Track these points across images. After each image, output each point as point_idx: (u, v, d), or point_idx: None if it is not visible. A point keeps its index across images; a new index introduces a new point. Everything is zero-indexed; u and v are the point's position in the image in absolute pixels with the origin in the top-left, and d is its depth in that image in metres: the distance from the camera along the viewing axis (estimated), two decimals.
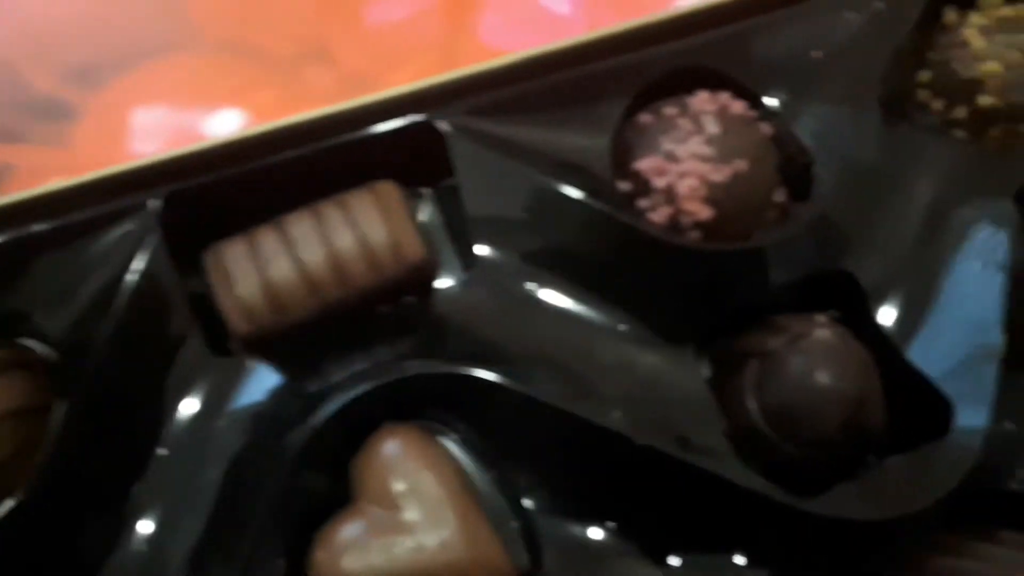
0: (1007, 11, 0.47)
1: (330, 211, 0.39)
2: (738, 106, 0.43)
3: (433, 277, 0.41)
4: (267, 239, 0.39)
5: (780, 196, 0.44)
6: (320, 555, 0.34)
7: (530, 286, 0.42)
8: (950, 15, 0.48)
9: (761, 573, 0.38)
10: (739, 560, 0.39)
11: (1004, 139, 0.46)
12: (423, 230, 0.43)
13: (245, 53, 0.52)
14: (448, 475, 0.36)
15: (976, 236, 0.42)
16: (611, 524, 0.38)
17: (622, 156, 0.43)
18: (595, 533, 0.38)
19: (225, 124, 0.50)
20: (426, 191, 0.45)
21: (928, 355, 0.40)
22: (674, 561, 0.39)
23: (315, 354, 0.39)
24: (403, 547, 0.34)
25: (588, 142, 0.43)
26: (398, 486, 0.35)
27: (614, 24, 0.44)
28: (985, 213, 0.43)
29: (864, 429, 0.39)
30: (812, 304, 0.43)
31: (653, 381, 0.41)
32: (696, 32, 0.46)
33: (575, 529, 0.37)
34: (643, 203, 0.42)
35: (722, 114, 0.42)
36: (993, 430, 0.38)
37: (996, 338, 0.39)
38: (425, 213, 0.45)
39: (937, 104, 0.47)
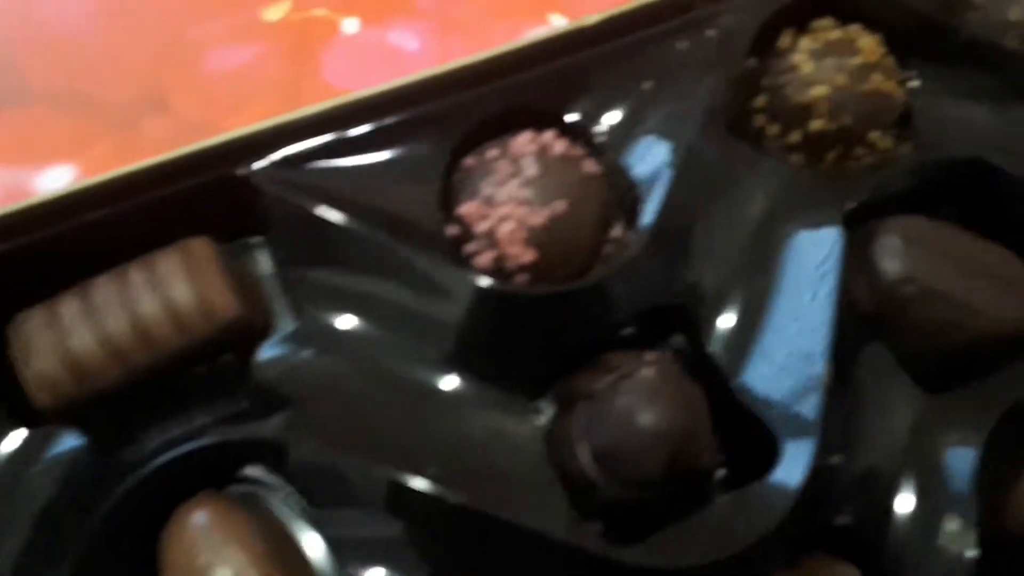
0: (836, 34, 0.47)
1: (135, 273, 0.38)
2: (560, 145, 0.43)
3: (256, 334, 0.40)
4: (69, 307, 0.37)
5: (617, 231, 0.44)
6: None
7: (357, 344, 0.41)
8: (784, 40, 0.48)
9: None
10: None
11: (839, 162, 0.46)
12: (253, 285, 0.42)
13: (79, 105, 0.50)
14: (256, 545, 0.35)
15: (807, 264, 0.42)
16: None
17: (448, 201, 0.43)
18: None
19: (57, 180, 0.48)
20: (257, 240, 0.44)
21: (757, 386, 0.40)
22: None
23: (128, 421, 0.38)
24: None
25: (414, 189, 0.42)
26: (202, 559, 0.34)
27: (437, 66, 0.44)
28: (816, 240, 0.42)
29: (691, 468, 0.39)
30: (655, 336, 0.43)
31: (485, 436, 0.40)
32: (526, 69, 0.45)
33: None
34: (469, 248, 0.41)
35: (542, 154, 0.42)
36: (819, 464, 0.38)
37: (820, 369, 0.39)
38: (260, 266, 0.44)
39: (773, 129, 0.47)
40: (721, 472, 0.41)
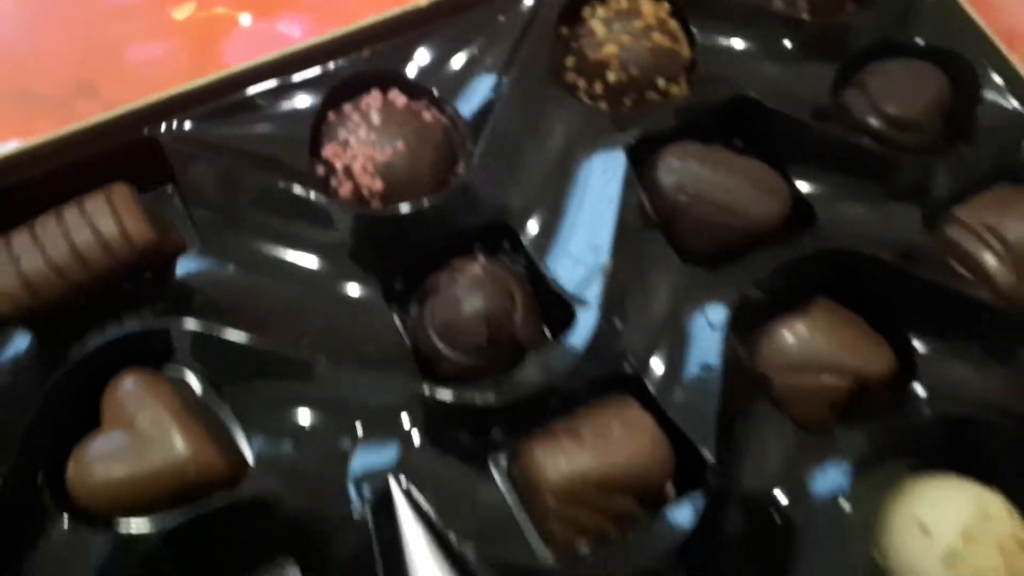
0: (624, 4, 0.59)
1: (69, 212, 0.49)
2: (402, 100, 0.54)
3: (169, 256, 0.51)
4: (20, 238, 0.48)
5: (460, 167, 0.56)
6: (72, 468, 0.44)
7: (250, 259, 0.52)
8: (586, 10, 0.60)
9: None
10: None
11: (636, 106, 0.58)
12: (165, 219, 0.53)
13: (23, 98, 0.62)
14: (174, 402, 0.46)
15: (598, 182, 0.54)
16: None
17: (316, 147, 0.54)
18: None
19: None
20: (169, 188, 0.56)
21: (559, 273, 0.52)
22: None
23: (70, 324, 0.49)
24: (138, 456, 0.44)
25: (289, 139, 0.54)
26: (130, 410, 0.45)
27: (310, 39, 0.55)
28: (605, 162, 0.54)
29: (510, 338, 0.50)
30: (490, 244, 0.55)
31: (354, 324, 0.51)
32: (376, 41, 0.57)
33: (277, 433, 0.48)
34: (332, 182, 0.53)
35: (386, 108, 0.54)
36: (604, 327, 0.50)
37: (606, 259, 0.51)
38: (171, 205, 0.55)
39: (581, 82, 0.59)
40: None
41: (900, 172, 0.56)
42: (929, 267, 0.53)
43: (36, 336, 0.49)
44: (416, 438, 0.47)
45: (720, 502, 0.47)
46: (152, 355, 0.49)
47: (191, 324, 0.49)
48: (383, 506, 0.45)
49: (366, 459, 0.46)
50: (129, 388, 0.46)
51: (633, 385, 0.50)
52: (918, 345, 0.52)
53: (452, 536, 0.45)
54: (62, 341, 0.48)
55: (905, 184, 0.56)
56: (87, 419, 0.47)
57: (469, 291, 0.50)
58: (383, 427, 0.47)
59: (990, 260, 0.55)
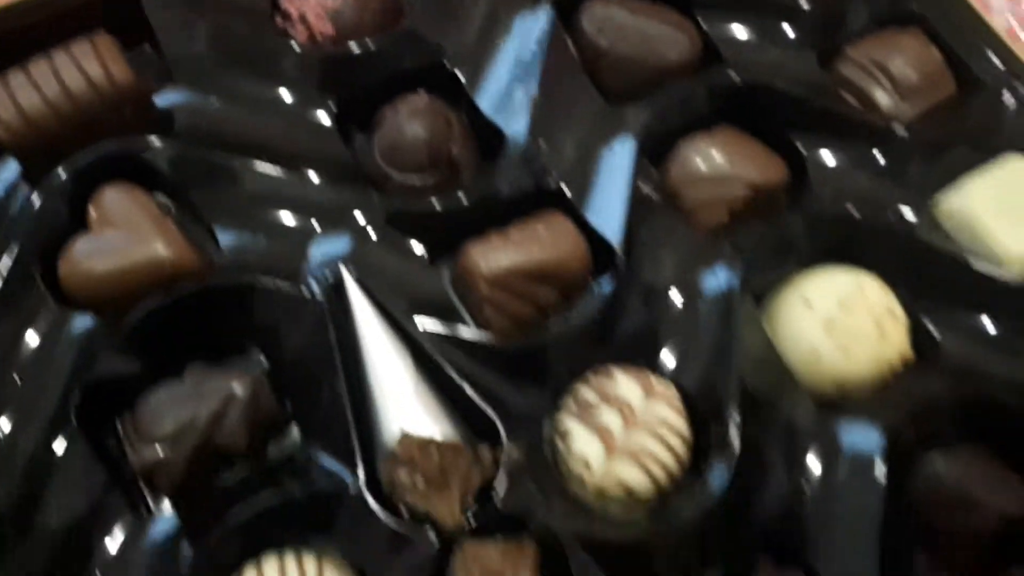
0: None
1: (58, 55, 0.56)
2: None
3: (148, 97, 0.58)
4: (15, 77, 0.55)
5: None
6: (63, 263, 0.52)
7: (227, 92, 0.59)
8: None
9: None
10: None
11: None
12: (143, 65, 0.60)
13: None
14: (151, 208, 0.53)
15: (528, 27, 0.61)
16: None
17: (275, 2, 0.61)
18: None
19: None
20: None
21: (488, 104, 0.59)
22: None
23: (58, 151, 0.56)
24: (119, 253, 0.51)
25: None
26: (115, 217, 0.52)
27: None
28: (536, 11, 0.61)
29: (449, 158, 0.58)
30: (435, 84, 0.61)
31: (313, 147, 0.58)
32: None
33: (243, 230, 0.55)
34: (291, 29, 0.60)
35: None
36: (530, 150, 0.57)
37: (534, 93, 0.58)
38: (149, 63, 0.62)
39: None
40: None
41: (803, 17, 0.63)
42: (822, 96, 0.60)
43: (26, 164, 0.55)
44: (369, 234, 0.54)
45: (625, 291, 0.54)
46: (133, 172, 0.56)
47: (167, 144, 0.56)
48: (337, 290, 0.52)
49: (322, 250, 0.53)
50: (112, 196, 0.53)
51: (556, 199, 0.57)
52: (810, 159, 0.59)
53: (398, 314, 0.52)
54: (51, 167, 0.55)
55: (806, 28, 0.63)
56: (75, 228, 0.54)
57: (410, 119, 0.57)
58: (339, 223, 0.54)
59: (877, 92, 0.62)
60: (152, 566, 0.48)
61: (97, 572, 0.47)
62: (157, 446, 0.48)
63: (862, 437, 0.51)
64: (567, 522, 0.48)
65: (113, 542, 0.48)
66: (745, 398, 0.51)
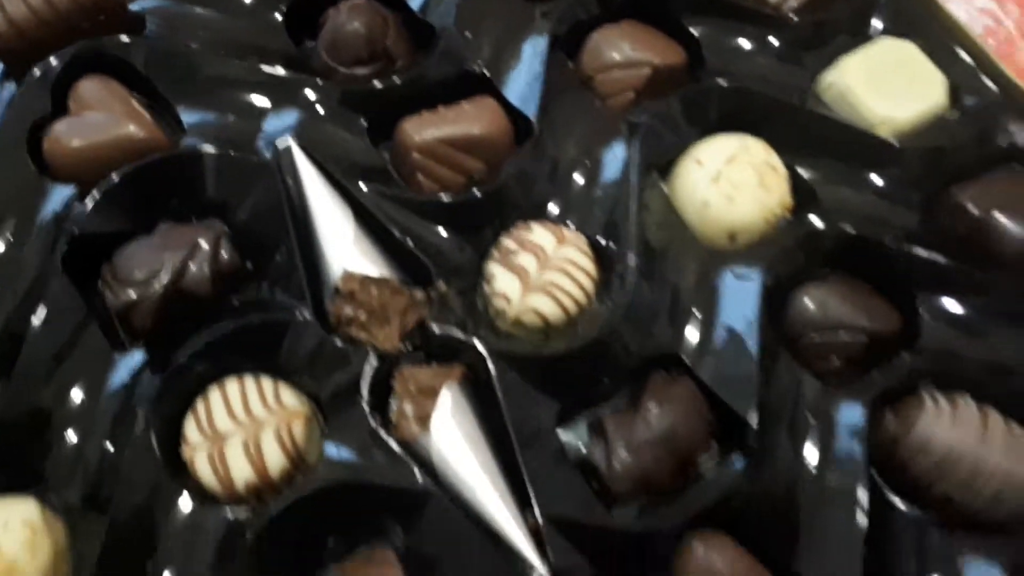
0: None
1: None
2: None
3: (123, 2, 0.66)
4: None
5: None
6: (47, 141, 0.59)
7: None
8: None
9: None
10: None
11: None
12: None
13: None
14: (123, 94, 0.61)
15: None
16: None
17: None
18: None
19: None
20: None
21: (426, 6, 0.67)
22: None
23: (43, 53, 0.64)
24: (96, 131, 0.59)
25: None
26: (92, 102, 0.60)
27: None
28: None
29: (385, 50, 0.65)
30: None
31: (266, 45, 0.66)
32: None
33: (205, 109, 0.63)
34: None
35: None
36: (459, 40, 0.65)
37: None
38: None
39: None
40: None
41: None
42: None
43: (11, 65, 0.63)
44: (317, 110, 0.62)
45: (539, 162, 0.62)
46: (108, 68, 0.63)
47: (138, 42, 0.64)
48: (286, 157, 0.60)
49: (274, 124, 0.61)
50: (88, 86, 0.61)
51: (481, 84, 0.65)
52: (704, 43, 0.67)
53: (340, 177, 0.60)
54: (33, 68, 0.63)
55: None
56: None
57: (349, 16, 0.65)
58: (290, 100, 0.62)
59: None
60: (122, 394, 0.55)
61: (73, 392, 0.55)
62: (131, 290, 0.56)
63: (744, 273, 0.59)
64: (491, 343, 0.56)
65: (90, 374, 0.56)
66: (643, 247, 0.59)
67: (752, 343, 0.57)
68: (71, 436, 0.54)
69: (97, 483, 0.53)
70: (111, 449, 0.54)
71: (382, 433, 0.53)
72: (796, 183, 0.62)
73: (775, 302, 0.59)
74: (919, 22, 0.67)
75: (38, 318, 0.55)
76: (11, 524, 0.50)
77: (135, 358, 0.56)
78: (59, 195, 0.58)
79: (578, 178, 0.63)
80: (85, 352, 0.56)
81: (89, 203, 0.58)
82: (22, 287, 0.56)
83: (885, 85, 0.64)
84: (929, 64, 0.65)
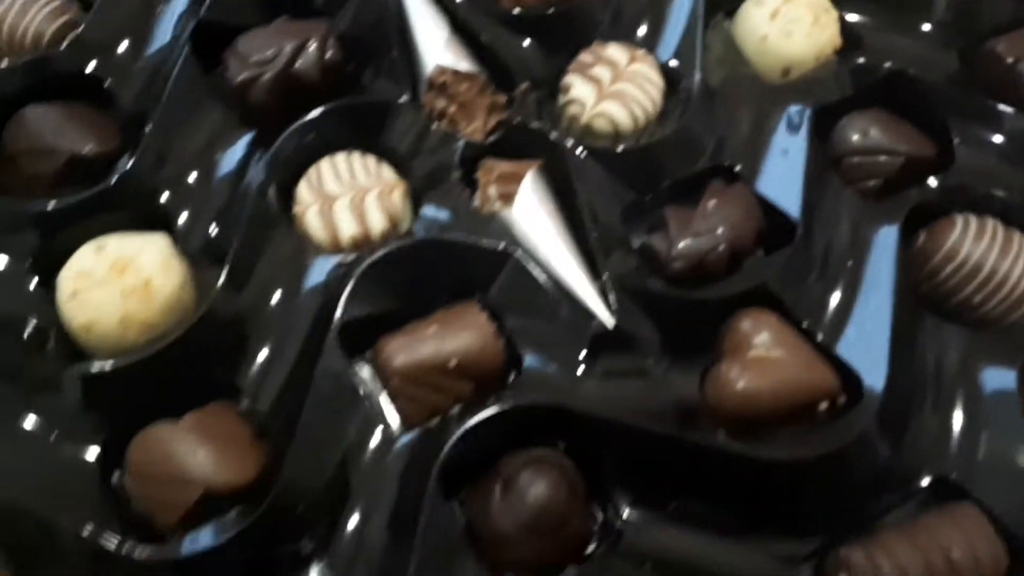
0: None
1: None
2: None
3: None
4: None
5: None
6: None
7: None
8: None
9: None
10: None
11: None
12: None
13: None
14: None
15: None
16: None
17: None
18: None
19: None
20: None
21: None
22: None
23: None
24: None
25: None
26: None
27: None
28: None
29: None
30: None
31: None
32: None
33: None
34: None
35: None
36: None
37: None
38: None
39: None
40: None
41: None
42: None
43: None
44: None
45: None
46: None
47: None
48: None
49: None
50: None
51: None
52: None
53: None
54: None
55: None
56: None
57: None
58: None
59: None
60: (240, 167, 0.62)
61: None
62: (249, 69, 0.63)
63: (796, 111, 0.65)
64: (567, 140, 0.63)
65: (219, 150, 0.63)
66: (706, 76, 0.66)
67: (799, 161, 0.63)
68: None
69: (218, 241, 0.61)
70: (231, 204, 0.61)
71: (470, 205, 0.60)
72: (844, 26, 0.68)
73: (822, 130, 0.65)
74: None
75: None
76: (148, 249, 0.57)
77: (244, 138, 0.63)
78: None
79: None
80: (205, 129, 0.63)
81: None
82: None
83: None
84: None
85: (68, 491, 0.53)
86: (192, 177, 0.63)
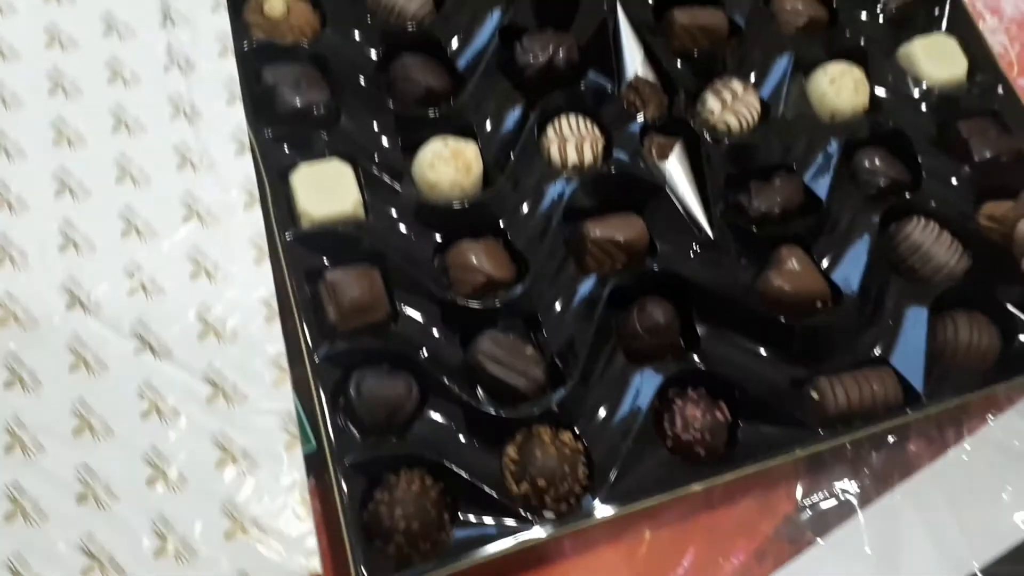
0: None
1: None
2: None
3: None
4: None
5: None
6: None
7: None
8: None
9: None
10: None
11: None
12: None
13: None
14: None
15: None
16: None
17: None
18: None
19: None
20: None
21: None
22: None
23: None
24: None
25: None
26: None
27: None
28: None
29: None
30: None
31: None
32: None
33: None
34: None
35: None
36: None
37: None
38: None
39: None
40: None
41: None
42: None
43: None
44: None
45: None
46: None
47: None
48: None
49: None
50: None
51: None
52: None
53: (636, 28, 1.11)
54: None
55: None
56: None
57: None
58: None
59: None
60: (520, 119, 1.07)
61: None
62: (529, 57, 1.08)
63: (834, 142, 1.10)
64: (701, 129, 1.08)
65: (508, 109, 1.08)
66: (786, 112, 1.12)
67: (830, 171, 1.08)
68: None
69: (503, 156, 1.05)
70: (512, 138, 1.06)
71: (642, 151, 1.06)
72: (872, 96, 1.14)
73: (847, 155, 1.10)
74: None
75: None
76: (469, 148, 1.01)
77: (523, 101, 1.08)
78: None
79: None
80: (500, 95, 1.08)
81: None
82: None
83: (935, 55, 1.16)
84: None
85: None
86: (488, 123, 1.07)
